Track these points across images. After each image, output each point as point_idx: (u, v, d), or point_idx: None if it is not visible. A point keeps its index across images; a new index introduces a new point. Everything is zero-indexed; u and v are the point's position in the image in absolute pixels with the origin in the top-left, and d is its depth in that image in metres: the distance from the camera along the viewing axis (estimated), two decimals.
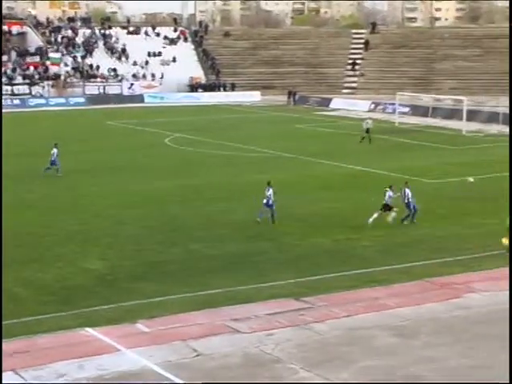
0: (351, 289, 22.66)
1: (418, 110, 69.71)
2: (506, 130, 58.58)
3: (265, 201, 30.94)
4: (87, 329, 19.34)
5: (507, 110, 63.02)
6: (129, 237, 28.62)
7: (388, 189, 30.99)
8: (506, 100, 64.57)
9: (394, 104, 68.78)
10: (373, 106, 76.39)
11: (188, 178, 40.07)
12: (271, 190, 31.10)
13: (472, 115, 62.54)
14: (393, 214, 30.64)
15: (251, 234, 29.05)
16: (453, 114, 65.99)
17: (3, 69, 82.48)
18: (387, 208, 30.66)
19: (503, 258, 25.61)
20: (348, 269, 24.68)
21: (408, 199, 30.68)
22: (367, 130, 53.39)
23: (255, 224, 30.44)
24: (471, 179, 32.11)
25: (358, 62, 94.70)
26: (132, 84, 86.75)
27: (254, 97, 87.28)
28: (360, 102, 78.99)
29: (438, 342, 18.67)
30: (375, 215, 30.40)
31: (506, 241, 26.61)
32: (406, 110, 70.02)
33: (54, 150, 40.17)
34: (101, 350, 18.08)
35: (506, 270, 24.41)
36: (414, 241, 28.19)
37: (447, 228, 30.01)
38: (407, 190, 30.77)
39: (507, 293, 22.08)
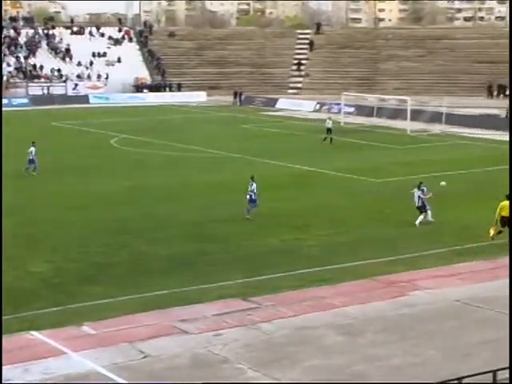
0: (298, 288, 22.75)
1: (363, 110, 70.26)
2: (449, 129, 59.47)
3: (248, 196, 31.37)
4: (32, 332, 19.11)
5: (450, 110, 63.93)
6: (76, 239, 28.34)
7: (416, 189, 30.63)
8: (448, 100, 65.48)
9: (339, 104, 69.24)
10: (318, 106, 76.79)
11: (134, 179, 39.82)
12: (254, 185, 31.38)
13: (416, 115, 63.21)
14: (421, 216, 30.21)
15: (198, 235, 28.99)
16: (397, 113, 66.62)
17: None
18: (422, 209, 30.20)
19: (446, 255, 26.00)
20: (295, 268, 24.76)
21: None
22: (329, 130, 53.28)
23: (202, 224, 30.40)
24: (443, 183, 32.46)
25: (303, 62, 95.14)
26: (76, 84, 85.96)
27: (199, 97, 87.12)
28: (305, 102, 79.35)
29: (384, 340, 18.84)
30: (421, 217, 30.18)
31: (492, 231, 27.20)
32: (351, 110, 70.53)
33: (32, 149, 40.60)
34: (46, 353, 17.87)
35: (450, 267, 24.78)
36: (360, 240, 28.40)
37: (392, 226, 30.29)
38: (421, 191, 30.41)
39: (451, 290, 22.40)
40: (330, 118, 55.37)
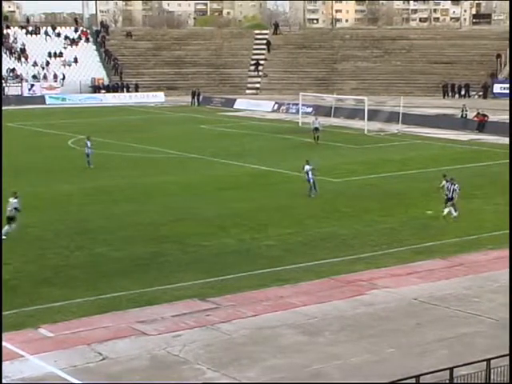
0: (258, 288, 22.75)
1: (320, 110, 70.45)
2: (406, 129, 59.91)
3: (306, 176, 35.00)
4: None
5: (406, 110, 64.39)
6: (32, 241, 28.04)
7: (444, 181, 31.14)
8: (405, 100, 65.93)
9: (297, 104, 69.40)
10: (276, 106, 76.91)
11: (92, 181, 39.52)
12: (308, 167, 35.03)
13: (373, 115, 63.61)
14: (446, 209, 30.65)
15: (156, 236, 28.85)
16: (355, 113, 66.97)
17: None
18: (449, 201, 30.67)
19: (404, 254, 26.20)
20: (254, 268, 24.76)
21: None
22: (316, 129, 53.81)
23: (160, 225, 30.29)
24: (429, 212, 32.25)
25: (261, 62, 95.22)
26: (32, 85, 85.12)
27: (157, 97, 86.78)
28: (264, 102, 79.44)
29: (343, 338, 18.92)
30: (446, 210, 30.64)
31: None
32: (309, 110, 70.74)
33: (87, 143, 42.77)
34: (3, 356, 17.63)
35: (408, 266, 24.96)
36: (319, 239, 28.48)
37: (351, 226, 30.43)
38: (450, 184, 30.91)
39: (409, 289, 22.57)
40: (316, 119, 56.03)
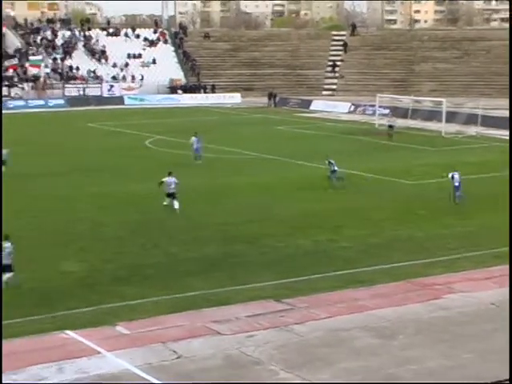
0: (332, 290, 22.66)
1: (397, 112, 69.81)
2: (485, 131, 58.92)
3: (456, 184, 34.50)
4: (66, 331, 19.21)
5: (486, 112, 63.33)
6: (109, 239, 28.47)
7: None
8: (484, 102, 64.92)
9: (373, 106, 68.91)
10: (353, 107, 76.51)
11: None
12: (456, 176, 34.61)
13: (451, 117, 62.77)
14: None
15: (231, 236, 28.98)
16: (432, 115, 66.16)
17: None
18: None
19: (481, 258, 25.76)
20: (329, 270, 24.67)
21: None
22: (391, 127, 56.78)
23: (235, 226, 30.42)
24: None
25: (337, 63, 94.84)
26: (112, 86, 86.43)
27: (234, 98, 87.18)
28: (340, 103, 79.10)
29: (419, 342, 18.69)
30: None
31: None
32: (386, 111, 70.13)
33: (194, 139, 43.97)
34: (80, 352, 17.96)
35: (486, 270, 24.54)
36: (394, 241, 28.24)
37: (427, 228, 30.08)
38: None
39: (487, 293, 22.18)
40: (391, 117, 58.92)
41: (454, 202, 34.30)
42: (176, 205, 32.71)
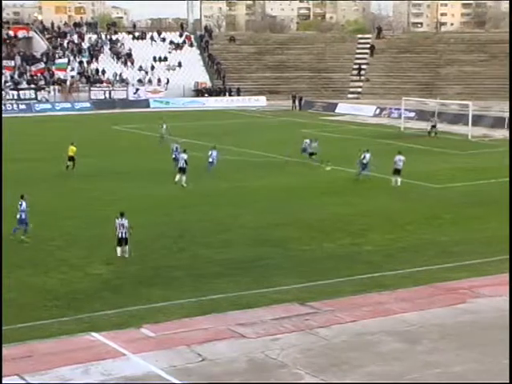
0: (357, 294, 22.63)
1: (423, 115, 69.59)
2: None
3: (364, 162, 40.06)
4: (92, 333, 19.33)
5: None
6: (135, 242, 28.54)
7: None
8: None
9: (399, 109, 68.71)
10: (378, 110, 76.34)
11: (194, 183, 39.95)
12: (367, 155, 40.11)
13: (478, 120, 62.46)
14: (399, 179, 37.69)
15: (256, 240, 29.02)
16: (458, 118, 65.90)
17: (9, 73, 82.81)
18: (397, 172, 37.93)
19: (507, 262, 25.57)
20: (354, 273, 24.64)
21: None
22: (433, 127, 59.79)
23: (260, 229, 30.44)
24: (328, 168, 41.59)
25: (363, 67, 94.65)
26: (137, 89, 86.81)
27: (259, 102, 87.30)
28: (365, 106, 78.95)
29: (444, 347, 18.62)
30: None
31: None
32: (412, 114, 69.96)
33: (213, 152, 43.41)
34: (106, 354, 18.06)
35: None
36: (419, 245, 28.15)
37: (452, 233, 29.96)
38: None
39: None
40: (433, 116, 61.46)
41: (357, 176, 40.15)
42: (183, 180, 38.62)
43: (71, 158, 42.99)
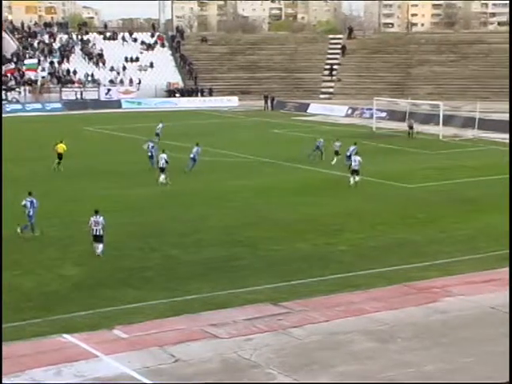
0: (330, 293, 22.67)
1: (395, 115, 69.95)
2: (482, 134, 59.00)
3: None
4: (64, 335, 19.22)
5: (483, 115, 63.37)
6: (107, 242, 28.41)
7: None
8: (481, 105, 64.95)
9: (371, 109, 69.00)
10: (350, 111, 76.60)
11: (166, 184, 39.88)
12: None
13: (448, 120, 62.83)
14: (357, 178, 38.10)
15: (229, 240, 28.99)
16: (429, 118, 66.23)
17: None
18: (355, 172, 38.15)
19: (479, 262, 25.77)
20: (326, 273, 24.69)
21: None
22: (411, 128, 59.35)
23: (233, 229, 30.43)
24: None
25: (334, 67, 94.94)
26: (109, 89, 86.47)
27: (231, 102, 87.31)
28: (337, 107, 79.20)
29: (416, 346, 18.70)
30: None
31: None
32: (383, 115, 70.27)
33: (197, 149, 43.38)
34: (78, 356, 17.96)
35: (483, 273, 24.54)
36: (392, 245, 28.25)
37: (424, 232, 30.11)
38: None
39: (485, 297, 22.19)
40: (409, 118, 62.79)
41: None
42: (162, 177, 39.47)
43: (60, 156, 42.84)
